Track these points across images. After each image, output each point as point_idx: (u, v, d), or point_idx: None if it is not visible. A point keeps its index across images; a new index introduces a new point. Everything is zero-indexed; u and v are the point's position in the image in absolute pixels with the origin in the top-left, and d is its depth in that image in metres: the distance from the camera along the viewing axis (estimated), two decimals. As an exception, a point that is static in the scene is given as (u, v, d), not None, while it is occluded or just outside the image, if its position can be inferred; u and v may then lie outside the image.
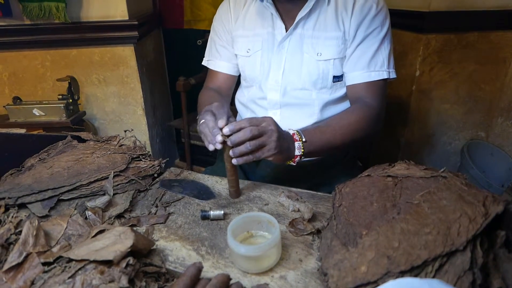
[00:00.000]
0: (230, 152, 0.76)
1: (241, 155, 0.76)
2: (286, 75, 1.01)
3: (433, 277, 0.49)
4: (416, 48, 1.80)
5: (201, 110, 0.98)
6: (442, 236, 0.52)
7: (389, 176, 0.73)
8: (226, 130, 0.74)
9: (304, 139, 0.86)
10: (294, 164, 0.87)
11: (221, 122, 0.76)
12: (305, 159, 1.05)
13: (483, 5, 1.72)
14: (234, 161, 0.77)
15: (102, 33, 1.76)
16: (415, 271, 0.50)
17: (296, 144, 0.85)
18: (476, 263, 0.50)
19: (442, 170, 0.70)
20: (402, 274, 0.50)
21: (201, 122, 0.83)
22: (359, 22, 0.95)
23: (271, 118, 0.79)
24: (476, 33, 1.78)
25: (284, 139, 0.81)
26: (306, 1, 0.95)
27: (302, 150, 0.85)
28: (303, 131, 0.88)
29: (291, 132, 0.86)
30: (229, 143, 0.75)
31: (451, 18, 1.72)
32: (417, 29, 1.78)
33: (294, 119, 1.02)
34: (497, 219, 0.55)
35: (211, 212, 0.77)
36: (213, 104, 0.84)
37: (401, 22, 1.87)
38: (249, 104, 1.12)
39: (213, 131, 0.77)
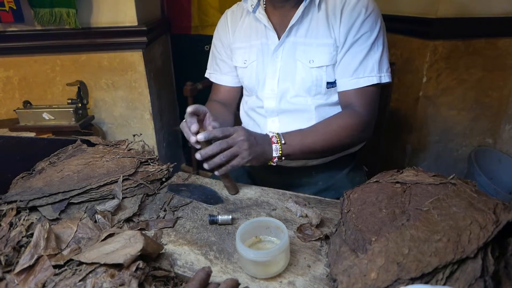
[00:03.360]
0: (205, 165, 0.84)
1: (218, 166, 0.83)
2: (281, 83, 1.02)
3: (444, 284, 0.49)
4: (423, 54, 1.80)
5: None
6: (452, 243, 0.52)
7: (397, 182, 0.73)
8: (200, 137, 0.81)
9: (283, 141, 0.89)
10: (274, 164, 0.91)
11: (193, 127, 0.83)
12: (309, 164, 1.06)
13: (491, 12, 1.72)
14: (216, 172, 0.85)
15: (111, 39, 1.78)
16: (425, 278, 0.50)
17: (274, 146, 0.89)
18: (487, 270, 0.50)
19: (451, 177, 0.70)
20: (413, 281, 0.50)
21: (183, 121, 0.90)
22: (348, 28, 0.94)
23: (242, 128, 0.84)
24: (484, 40, 1.78)
25: (257, 144, 0.85)
26: (298, 8, 0.96)
27: (280, 152, 0.89)
28: (284, 134, 0.91)
29: (270, 134, 0.90)
30: (198, 157, 0.82)
31: (459, 24, 1.72)
32: (424, 35, 1.78)
33: (293, 125, 1.03)
34: (508, 227, 0.55)
35: (219, 217, 0.78)
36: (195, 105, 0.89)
37: (409, 28, 1.87)
38: (249, 112, 1.14)
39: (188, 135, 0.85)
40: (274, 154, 0.89)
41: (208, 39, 1.40)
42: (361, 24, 0.94)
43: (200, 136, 0.81)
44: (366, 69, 0.96)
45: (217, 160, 0.82)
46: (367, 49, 0.95)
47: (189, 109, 0.85)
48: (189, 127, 0.83)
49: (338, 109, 1.04)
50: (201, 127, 0.87)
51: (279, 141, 0.89)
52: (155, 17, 2.17)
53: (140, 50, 1.84)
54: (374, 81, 0.96)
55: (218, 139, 0.82)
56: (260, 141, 0.87)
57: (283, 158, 0.90)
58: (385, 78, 0.98)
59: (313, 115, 1.02)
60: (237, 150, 0.82)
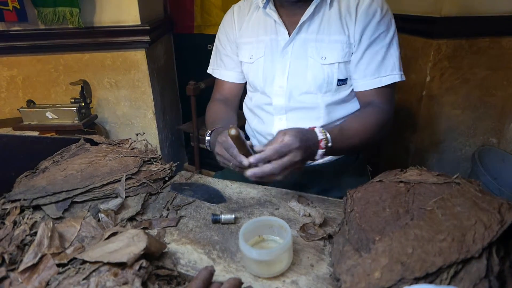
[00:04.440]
0: (249, 173, 0.77)
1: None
2: (290, 80, 1.02)
3: (448, 284, 0.49)
4: (427, 53, 1.79)
5: (208, 125, 1.08)
6: (457, 243, 0.52)
7: (401, 181, 0.72)
8: (253, 161, 0.75)
9: (330, 144, 0.84)
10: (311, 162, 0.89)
11: (245, 161, 0.76)
12: (313, 164, 1.06)
13: (495, 11, 1.71)
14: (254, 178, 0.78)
15: (114, 38, 1.78)
16: (429, 278, 0.50)
17: (320, 151, 0.83)
18: (492, 270, 0.49)
19: (455, 176, 0.69)
20: (417, 280, 0.49)
21: (217, 151, 0.84)
22: (364, 26, 0.94)
23: (298, 146, 0.75)
24: (488, 39, 1.76)
25: (310, 155, 0.80)
26: (308, 5, 0.96)
27: (322, 156, 0.84)
28: (330, 133, 0.84)
29: (319, 137, 0.82)
30: (249, 174, 0.76)
31: (462, 23, 1.71)
32: (428, 34, 1.78)
33: (301, 123, 1.03)
34: (513, 227, 0.55)
35: (222, 216, 0.78)
36: (221, 133, 0.84)
37: (412, 27, 1.87)
38: (255, 109, 1.13)
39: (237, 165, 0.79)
40: (317, 158, 0.84)
41: (211, 39, 1.39)
42: (378, 23, 0.94)
43: (253, 160, 0.75)
44: (387, 68, 0.97)
45: (271, 178, 0.77)
46: (386, 47, 0.96)
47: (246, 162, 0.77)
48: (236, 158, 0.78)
49: (346, 106, 1.04)
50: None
51: (326, 146, 0.83)
52: (158, 16, 2.17)
53: (143, 49, 1.84)
54: (397, 78, 0.97)
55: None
56: (311, 149, 0.81)
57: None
58: (403, 76, 0.99)
59: (321, 113, 1.02)
60: (292, 170, 0.77)
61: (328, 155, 0.87)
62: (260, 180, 0.78)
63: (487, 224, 0.54)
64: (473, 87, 1.86)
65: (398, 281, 0.50)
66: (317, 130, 0.84)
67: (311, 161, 0.86)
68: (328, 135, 0.84)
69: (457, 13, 1.68)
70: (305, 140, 0.78)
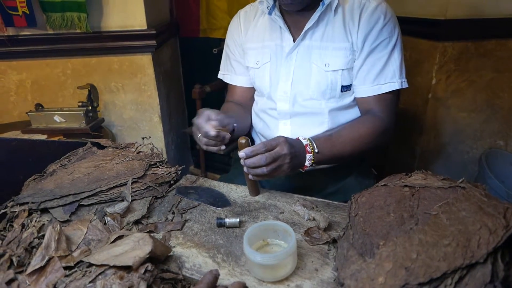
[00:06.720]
0: (245, 169, 0.83)
1: (257, 175, 0.83)
2: (294, 86, 1.02)
3: (453, 289, 0.49)
4: (433, 56, 1.78)
5: None
6: (461, 248, 0.52)
7: (406, 186, 0.72)
8: (241, 154, 0.81)
9: (316, 150, 0.88)
10: (303, 171, 0.90)
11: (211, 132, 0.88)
12: (318, 168, 1.06)
13: (501, 13, 1.69)
14: (250, 177, 0.84)
15: (121, 42, 1.80)
16: (434, 283, 0.49)
17: (308, 156, 0.88)
18: (497, 276, 0.49)
19: (460, 180, 0.69)
20: (421, 286, 0.49)
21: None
22: (366, 33, 0.95)
23: (284, 140, 0.82)
24: (494, 41, 1.75)
25: (296, 156, 0.84)
26: (313, 12, 0.96)
27: (312, 161, 0.88)
28: (315, 140, 0.89)
29: (304, 142, 0.88)
30: (245, 169, 0.83)
31: (468, 26, 1.70)
32: (433, 37, 1.77)
33: (305, 128, 1.03)
34: (519, 232, 0.54)
35: (227, 220, 0.78)
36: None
37: (418, 30, 1.86)
38: (260, 113, 1.14)
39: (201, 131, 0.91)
40: (307, 163, 0.88)
41: (217, 42, 1.40)
42: (380, 30, 0.94)
43: (242, 154, 0.80)
44: (387, 75, 0.97)
45: (258, 171, 0.81)
46: (388, 55, 0.96)
47: (212, 133, 0.88)
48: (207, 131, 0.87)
49: (350, 112, 1.04)
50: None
51: (312, 150, 0.88)
52: (164, 21, 2.19)
53: (149, 53, 1.86)
54: (396, 86, 0.97)
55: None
56: (298, 152, 0.85)
57: (313, 165, 0.89)
58: (405, 84, 0.99)
59: (325, 119, 1.02)
60: (280, 164, 0.81)
61: (319, 164, 0.91)
62: (253, 173, 0.82)
63: (492, 229, 0.53)
64: (479, 90, 1.85)
65: (402, 287, 0.50)
66: (300, 138, 0.89)
67: (302, 169, 0.89)
68: (313, 142, 0.89)
69: (463, 16, 1.68)
70: (290, 140, 0.84)
